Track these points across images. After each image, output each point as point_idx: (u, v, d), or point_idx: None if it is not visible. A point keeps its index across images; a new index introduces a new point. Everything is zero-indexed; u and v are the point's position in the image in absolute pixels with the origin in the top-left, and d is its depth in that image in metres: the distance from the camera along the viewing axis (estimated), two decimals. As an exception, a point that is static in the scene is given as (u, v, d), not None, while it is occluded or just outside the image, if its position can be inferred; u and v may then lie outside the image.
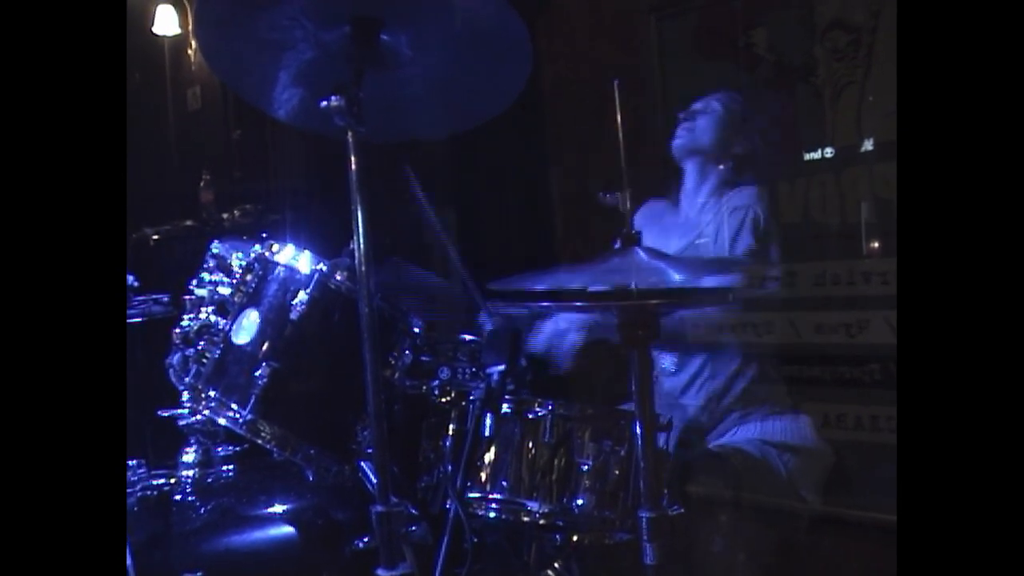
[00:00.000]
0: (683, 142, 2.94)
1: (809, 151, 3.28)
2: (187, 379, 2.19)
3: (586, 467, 2.05)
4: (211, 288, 2.26)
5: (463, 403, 2.19)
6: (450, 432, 2.19)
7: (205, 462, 2.38)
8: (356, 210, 1.75)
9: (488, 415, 2.09)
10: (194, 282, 2.30)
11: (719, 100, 2.95)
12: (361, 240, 1.75)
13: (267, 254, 2.19)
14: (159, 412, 2.33)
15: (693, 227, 2.90)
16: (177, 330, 2.24)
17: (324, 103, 1.75)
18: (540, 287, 1.77)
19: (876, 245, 3.15)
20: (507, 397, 2.11)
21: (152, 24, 5.19)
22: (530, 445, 2.08)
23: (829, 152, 3.26)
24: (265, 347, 2.10)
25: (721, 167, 2.93)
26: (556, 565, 2.17)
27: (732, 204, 2.83)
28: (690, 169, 2.96)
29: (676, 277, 1.72)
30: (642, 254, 1.75)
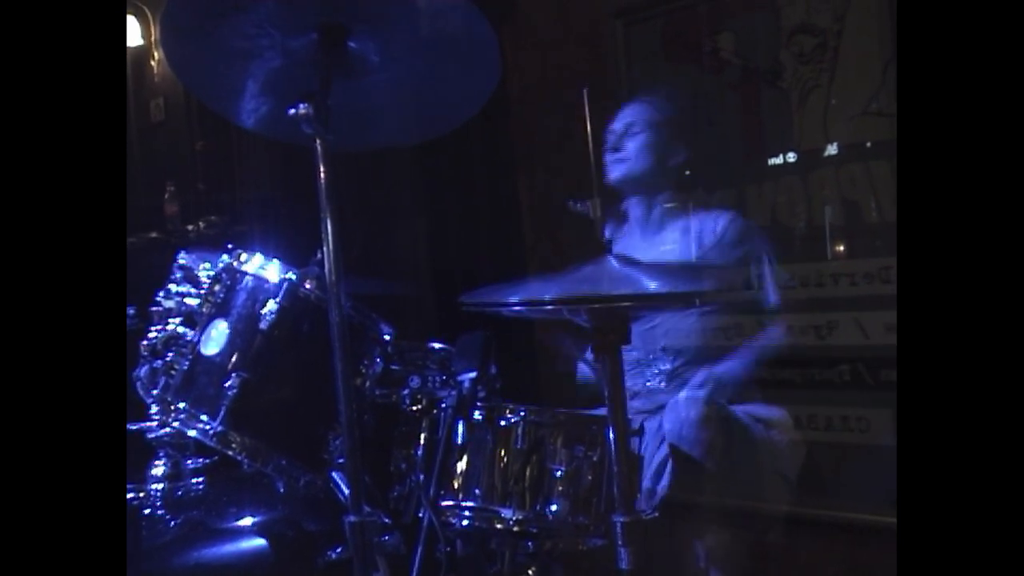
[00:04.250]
0: (617, 175, 2.80)
1: (776, 154, 3.30)
2: (155, 391, 2.17)
3: (559, 473, 2.05)
4: (178, 299, 2.24)
5: (434, 411, 2.19)
6: (422, 441, 2.19)
7: (174, 475, 2.36)
8: (325, 219, 1.75)
9: (460, 423, 2.09)
10: (161, 294, 2.28)
11: (642, 115, 2.79)
12: (330, 249, 1.74)
13: (235, 264, 2.17)
14: (127, 425, 2.30)
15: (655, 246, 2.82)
16: (144, 342, 2.22)
17: (292, 111, 1.74)
18: (512, 299, 1.76)
19: (843, 247, 3.18)
20: (478, 404, 2.10)
21: (114, 35, 5.15)
22: (502, 452, 2.08)
23: (792, 157, 3.28)
24: (234, 357, 2.08)
25: (666, 191, 2.84)
26: (530, 572, 2.17)
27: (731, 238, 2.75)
28: (635, 201, 2.86)
29: (650, 285, 1.72)
30: (614, 262, 1.75)
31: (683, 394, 2.55)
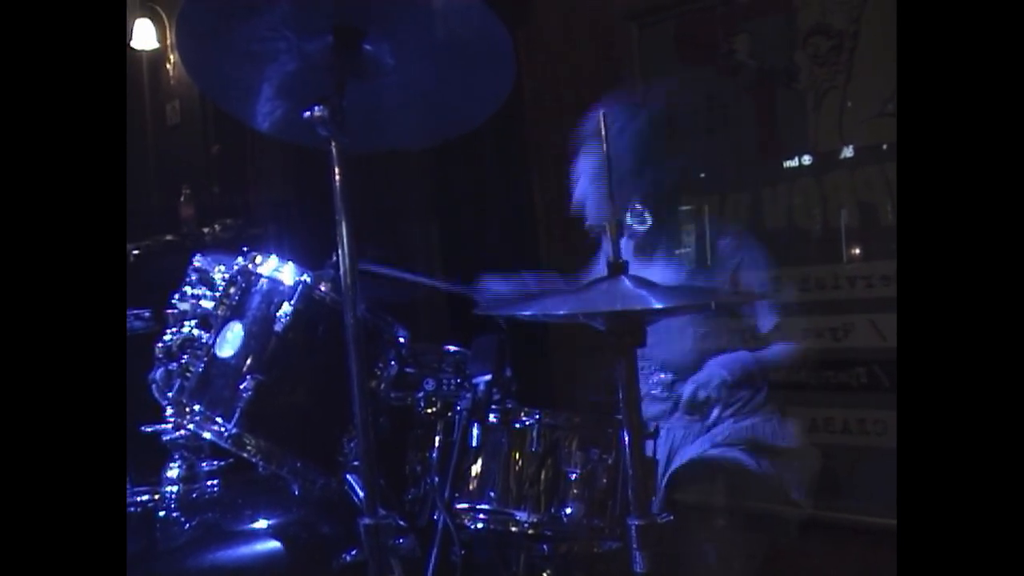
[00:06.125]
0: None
1: (791, 156, 3.30)
2: (170, 394, 2.17)
3: (574, 476, 2.04)
4: (194, 302, 2.24)
5: (449, 414, 2.19)
6: (436, 443, 2.19)
7: (189, 477, 2.36)
8: (340, 220, 1.74)
9: (475, 425, 2.08)
10: (176, 296, 2.28)
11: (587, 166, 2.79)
12: (345, 251, 1.74)
13: (250, 266, 2.17)
14: (142, 428, 2.30)
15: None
16: (160, 344, 2.22)
17: (307, 114, 1.73)
18: (527, 313, 1.77)
19: (859, 249, 3.17)
20: (493, 407, 2.10)
21: (130, 39, 5.17)
22: (517, 455, 2.08)
23: (807, 160, 3.27)
24: (249, 360, 2.08)
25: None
26: (545, 575, 2.17)
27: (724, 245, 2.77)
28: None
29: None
30: (627, 282, 1.75)
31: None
